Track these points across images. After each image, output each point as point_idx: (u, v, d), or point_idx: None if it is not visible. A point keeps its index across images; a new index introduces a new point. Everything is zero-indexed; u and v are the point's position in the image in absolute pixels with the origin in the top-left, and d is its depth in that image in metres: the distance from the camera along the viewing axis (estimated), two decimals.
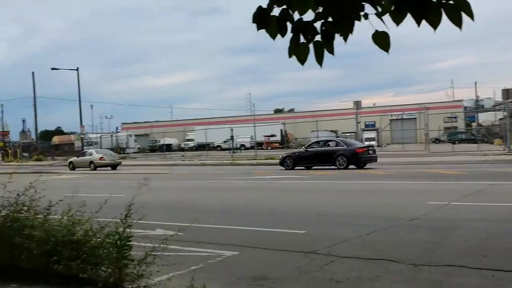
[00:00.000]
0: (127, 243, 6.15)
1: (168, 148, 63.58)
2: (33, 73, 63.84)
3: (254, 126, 51.10)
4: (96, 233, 6.62)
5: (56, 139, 78.10)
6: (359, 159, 26.65)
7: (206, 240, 9.30)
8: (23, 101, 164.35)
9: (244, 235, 9.92)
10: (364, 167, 26.92)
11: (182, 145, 66.60)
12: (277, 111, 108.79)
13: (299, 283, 6.78)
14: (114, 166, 38.75)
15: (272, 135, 63.96)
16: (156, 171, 33.19)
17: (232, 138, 53.28)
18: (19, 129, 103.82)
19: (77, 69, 53.14)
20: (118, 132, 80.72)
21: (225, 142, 60.29)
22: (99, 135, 71.43)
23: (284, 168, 28.38)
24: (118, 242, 6.11)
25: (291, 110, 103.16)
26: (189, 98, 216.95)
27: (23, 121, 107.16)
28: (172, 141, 70.69)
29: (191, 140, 68.03)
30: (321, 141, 31.37)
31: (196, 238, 9.18)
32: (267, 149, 59.05)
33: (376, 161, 28.33)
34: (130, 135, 71.24)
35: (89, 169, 37.65)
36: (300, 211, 12.94)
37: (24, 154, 67.31)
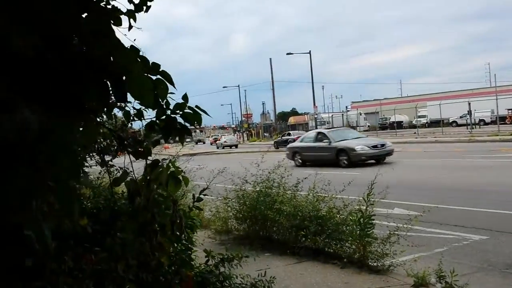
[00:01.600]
0: (370, 221, 6.21)
1: (399, 125, 61.92)
2: (270, 59, 69.23)
3: (496, 99, 46.05)
4: (339, 210, 6.87)
5: (292, 120, 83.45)
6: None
7: (450, 222, 8.79)
8: (262, 85, 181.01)
9: (493, 219, 9.06)
10: None
11: (413, 121, 64.09)
12: None
13: None
14: (236, 146, 57.81)
15: None
16: None
17: (469, 112, 49.00)
18: (260, 111, 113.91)
19: (309, 52, 55.52)
20: (348, 111, 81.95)
21: (461, 117, 55.81)
22: (330, 115, 73.77)
23: None
24: (361, 219, 6.21)
25: None
26: (419, 73, 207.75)
27: (263, 104, 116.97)
28: (403, 118, 68.53)
29: (423, 116, 64.82)
30: (290, 133, 49.21)
31: (438, 219, 8.75)
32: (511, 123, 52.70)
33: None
34: (360, 114, 71.63)
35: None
36: None
37: (265, 134, 73.78)
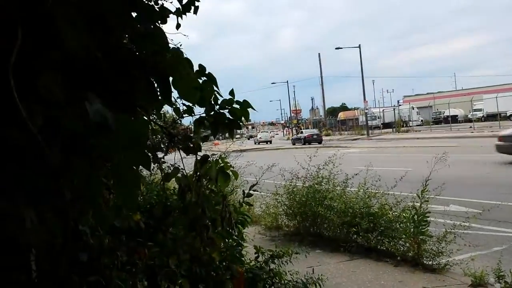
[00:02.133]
0: (424, 219, 6.03)
1: (454, 119, 59.87)
2: (319, 54, 68.94)
3: None
4: (392, 207, 6.72)
5: (341, 115, 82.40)
6: (308, 140, 48.09)
7: (509, 219, 8.40)
8: (311, 81, 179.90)
9: None
10: None
11: (469, 115, 61.91)
12: None
13: None
14: (270, 142, 64.10)
15: None
16: (442, 144, 31.73)
17: None
18: (309, 107, 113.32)
19: (358, 46, 54.68)
20: (400, 105, 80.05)
21: None
22: (381, 109, 72.30)
23: None
24: (415, 217, 6.05)
25: None
26: (475, 65, 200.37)
27: (312, 99, 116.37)
28: (458, 112, 66.21)
29: (479, 110, 62.38)
30: (302, 131, 56.71)
31: (497, 217, 8.38)
32: None
33: (319, 142, 47.06)
34: (412, 108, 69.77)
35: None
36: None
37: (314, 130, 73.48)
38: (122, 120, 1.36)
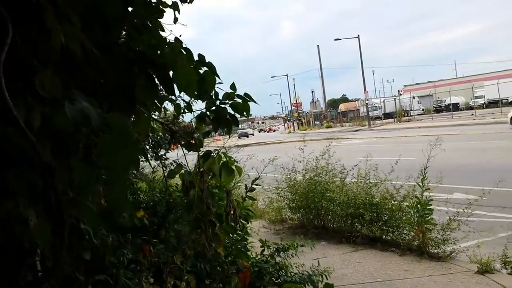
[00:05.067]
0: (427, 207, 6.02)
1: (455, 107, 59.58)
2: (318, 46, 68.65)
3: None
4: (393, 195, 6.69)
5: (342, 107, 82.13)
6: (240, 135, 60.53)
7: None
8: (311, 73, 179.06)
9: None
10: None
11: (470, 103, 61.68)
12: None
13: None
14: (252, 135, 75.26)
15: None
16: (444, 132, 31.62)
17: None
18: (309, 100, 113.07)
19: (357, 37, 54.49)
20: (401, 94, 79.74)
21: None
22: (382, 100, 72.07)
23: None
24: (419, 206, 6.04)
25: None
26: (476, 52, 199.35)
27: (312, 92, 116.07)
28: (459, 99, 65.83)
29: (481, 97, 62.13)
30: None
31: (500, 203, 8.37)
32: None
33: (247, 136, 66.60)
34: (413, 97, 69.47)
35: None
36: None
37: (315, 122, 73.30)
38: (115, 119, 1.33)
